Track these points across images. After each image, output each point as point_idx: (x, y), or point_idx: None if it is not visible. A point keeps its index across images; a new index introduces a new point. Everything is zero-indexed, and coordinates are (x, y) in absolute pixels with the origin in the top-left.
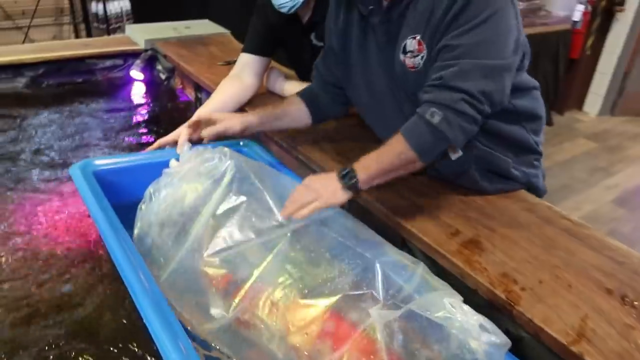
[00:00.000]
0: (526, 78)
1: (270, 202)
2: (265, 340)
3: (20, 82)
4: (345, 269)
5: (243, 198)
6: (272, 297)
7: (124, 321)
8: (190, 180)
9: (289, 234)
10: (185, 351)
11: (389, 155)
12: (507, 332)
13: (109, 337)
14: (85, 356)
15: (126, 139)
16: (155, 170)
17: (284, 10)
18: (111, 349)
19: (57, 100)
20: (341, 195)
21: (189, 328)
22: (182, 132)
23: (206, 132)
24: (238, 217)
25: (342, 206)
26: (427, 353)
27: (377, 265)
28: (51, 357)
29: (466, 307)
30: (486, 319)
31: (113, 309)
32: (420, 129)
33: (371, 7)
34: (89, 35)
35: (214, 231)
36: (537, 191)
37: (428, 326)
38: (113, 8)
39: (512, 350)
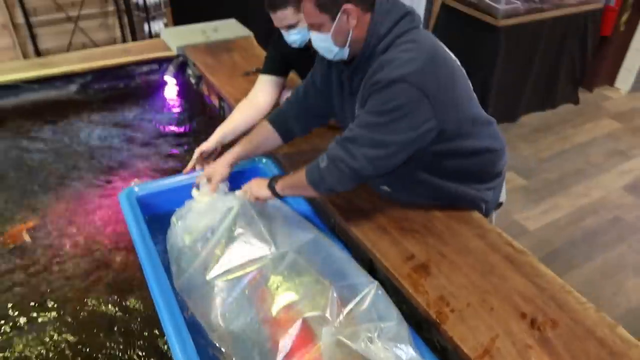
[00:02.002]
0: (470, 144)
1: (264, 232)
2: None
3: (72, 89)
4: (309, 293)
5: (241, 230)
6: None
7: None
8: (205, 213)
9: (269, 261)
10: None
11: (297, 179)
12: (437, 343)
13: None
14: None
15: (160, 139)
16: (183, 190)
17: (295, 45)
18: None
19: (103, 104)
20: (264, 192)
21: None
22: (201, 178)
23: (212, 188)
24: (236, 245)
25: (331, 228)
26: None
27: (332, 290)
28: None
29: (381, 343)
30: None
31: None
32: (314, 168)
33: (342, 67)
34: (130, 22)
35: (217, 256)
36: (486, 204)
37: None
38: None
39: (442, 357)
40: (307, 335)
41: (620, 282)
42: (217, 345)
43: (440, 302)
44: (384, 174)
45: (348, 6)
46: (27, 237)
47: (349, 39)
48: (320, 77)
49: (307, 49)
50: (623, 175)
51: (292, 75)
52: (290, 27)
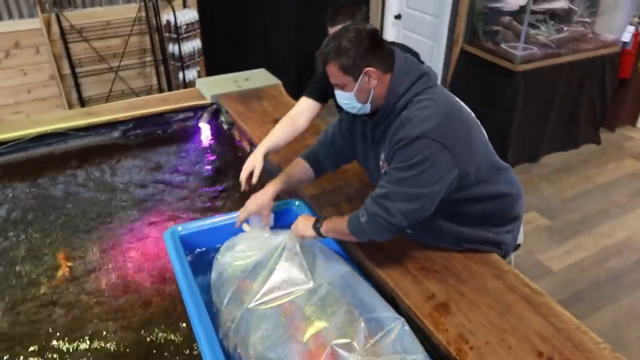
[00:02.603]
0: (487, 189)
1: (304, 266)
2: None
3: (114, 135)
4: (339, 322)
5: (285, 264)
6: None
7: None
8: (253, 246)
9: (306, 292)
10: None
11: (340, 226)
12: None
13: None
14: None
15: (196, 181)
16: (221, 230)
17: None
18: None
19: (143, 148)
20: (309, 232)
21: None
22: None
23: (266, 221)
24: (278, 276)
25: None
26: None
27: (361, 321)
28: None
29: None
30: None
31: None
32: (355, 220)
33: (365, 119)
34: (166, 71)
35: (260, 285)
36: (505, 246)
37: None
38: (187, 48)
39: None
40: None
41: None
42: None
43: (460, 339)
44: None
45: (369, 69)
46: (66, 272)
47: (371, 96)
48: (346, 127)
49: None
50: None
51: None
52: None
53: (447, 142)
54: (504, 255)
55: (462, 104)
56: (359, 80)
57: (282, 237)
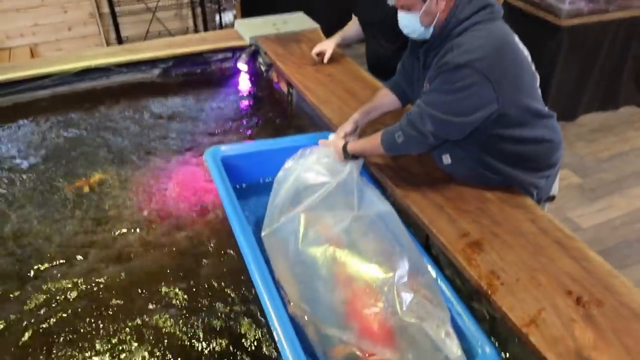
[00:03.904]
0: (528, 133)
1: (356, 195)
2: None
3: (155, 73)
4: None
5: (340, 189)
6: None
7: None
8: (323, 163)
9: (353, 218)
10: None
11: (371, 143)
12: (487, 312)
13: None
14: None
15: (233, 123)
16: (266, 155)
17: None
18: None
19: (182, 87)
20: (339, 149)
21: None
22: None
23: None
24: (331, 201)
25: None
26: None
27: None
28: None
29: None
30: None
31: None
32: (390, 139)
33: (422, 43)
34: (203, 13)
35: (313, 206)
36: (538, 191)
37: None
38: None
39: (490, 325)
40: (371, 291)
41: None
42: (290, 275)
43: (491, 275)
44: (449, 143)
45: None
46: (87, 189)
47: (435, 20)
48: (409, 51)
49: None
50: None
51: None
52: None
53: (492, 75)
54: (538, 202)
55: (521, 45)
56: (427, 2)
57: (348, 166)
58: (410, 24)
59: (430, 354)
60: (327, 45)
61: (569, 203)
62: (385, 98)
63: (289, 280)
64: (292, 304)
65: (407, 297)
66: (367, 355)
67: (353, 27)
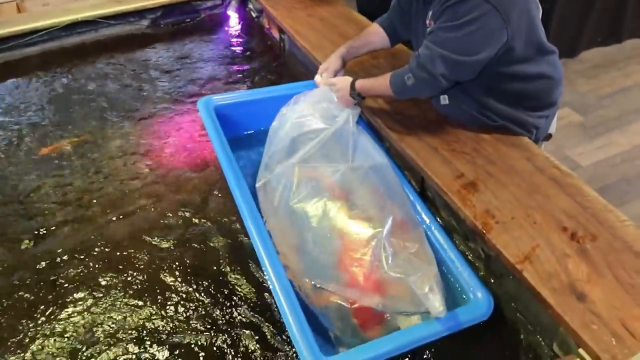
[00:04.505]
0: (530, 69)
1: (351, 145)
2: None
3: (143, 24)
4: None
5: (335, 138)
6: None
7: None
8: (317, 109)
9: (347, 168)
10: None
11: (380, 84)
12: (482, 251)
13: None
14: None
15: (224, 68)
16: (258, 105)
17: None
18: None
19: (172, 37)
20: (345, 88)
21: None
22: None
23: (324, 79)
24: (325, 150)
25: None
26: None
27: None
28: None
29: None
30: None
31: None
32: (399, 81)
33: None
34: None
35: (309, 151)
36: (537, 130)
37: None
38: None
39: (485, 264)
40: (359, 244)
41: None
42: (282, 226)
43: (486, 214)
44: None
45: None
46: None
47: None
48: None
49: None
50: None
51: None
52: None
53: (501, 6)
54: (535, 141)
55: None
56: None
57: (345, 113)
58: None
59: (414, 307)
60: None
61: (569, 141)
62: (374, 36)
63: (280, 231)
64: (281, 254)
65: (394, 252)
66: (349, 303)
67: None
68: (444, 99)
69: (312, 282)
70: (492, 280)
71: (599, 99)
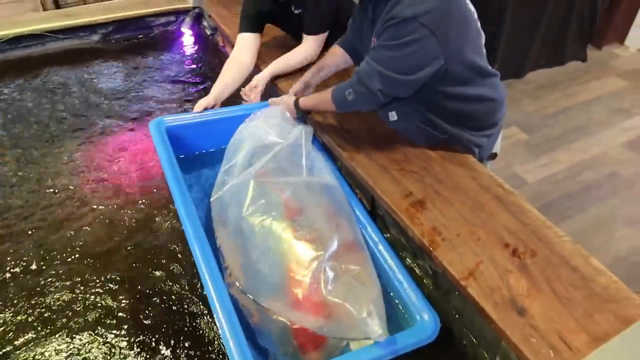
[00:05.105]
0: (471, 91)
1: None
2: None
3: (94, 38)
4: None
5: (289, 153)
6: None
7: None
8: (274, 125)
9: (298, 188)
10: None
11: (322, 99)
12: (430, 268)
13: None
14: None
15: (177, 86)
16: (209, 126)
17: None
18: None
19: (124, 53)
20: (290, 106)
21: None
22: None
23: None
24: (278, 166)
25: (338, 169)
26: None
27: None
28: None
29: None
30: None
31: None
32: (341, 96)
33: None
34: None
35: (264, 165)
36: (480, 149)
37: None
38: None
39: (433, 280)
40: (301, 267)
41: (611, 233)
42: (231, 243)
43: (433, 232)
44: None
45: None
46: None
47: None
48: (359, 5)
49: (278, 1)
50: (624, 132)
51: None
52: None
53: (437, 30)
54: (480, 160)
55: (470, 4)
56: None
57: (298, 129)
58: None
59: (354, 331)
60: (208, 103)
61: (516, 159)
62: (337, 57)
63: (229, 247)
64: (229, 272)
65: (335, 275)
66: (291, 324)
67: (229, 73)
68: (392, 116)
69: (255, 301)
70: (440, 297)
71: (543, 118)
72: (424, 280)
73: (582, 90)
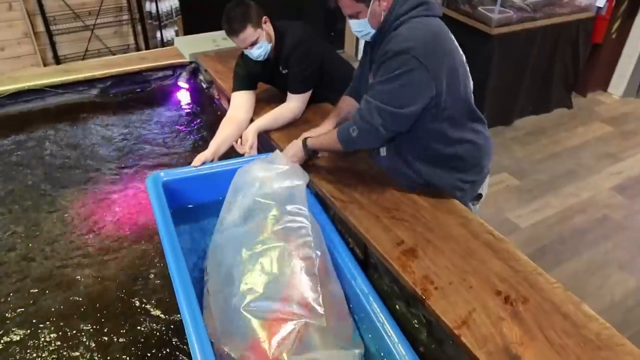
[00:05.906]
0: (458, 134)
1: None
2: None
3: (92, 93)
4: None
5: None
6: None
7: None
8: (269, 177)
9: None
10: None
11: (329, 138)
12: (423, 317)
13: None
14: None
15: (174, 139)
16: (206, 180)
17: (260, 58)
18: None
19: (121, 107)
20: (299, 152)
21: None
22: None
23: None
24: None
25: (331, 218)
26: None
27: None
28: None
29: None
30: None
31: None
32: (346, 134)
33: (370, 42)
34: (144, 30)
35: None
36: (463, 192)
37: None
38: (164, 7)
39: (427, 329)
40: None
41: (605, 277)
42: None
43: (425, 280)
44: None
45: None
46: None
47: (382, 19)
48: (363, 52)
49: (269, 60)
50: (613, 176)
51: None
52: (253, 44)
53: (427, 61)
54: (464, 203)
55: (456, 43)
56: (370, 6)
57: (302, 180)
58: (361, 28)
59: None
60: (205, 158)
61: (507, 204)
62: (348, 106)
63: (214, 294)
64: (211, 327)
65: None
66: None
67: (226, 131)
68: (383, 151)
69: (226, 349)
70: (434, 346)
71: (533, 163)
72: (418, 329)
73: (570, 135)
